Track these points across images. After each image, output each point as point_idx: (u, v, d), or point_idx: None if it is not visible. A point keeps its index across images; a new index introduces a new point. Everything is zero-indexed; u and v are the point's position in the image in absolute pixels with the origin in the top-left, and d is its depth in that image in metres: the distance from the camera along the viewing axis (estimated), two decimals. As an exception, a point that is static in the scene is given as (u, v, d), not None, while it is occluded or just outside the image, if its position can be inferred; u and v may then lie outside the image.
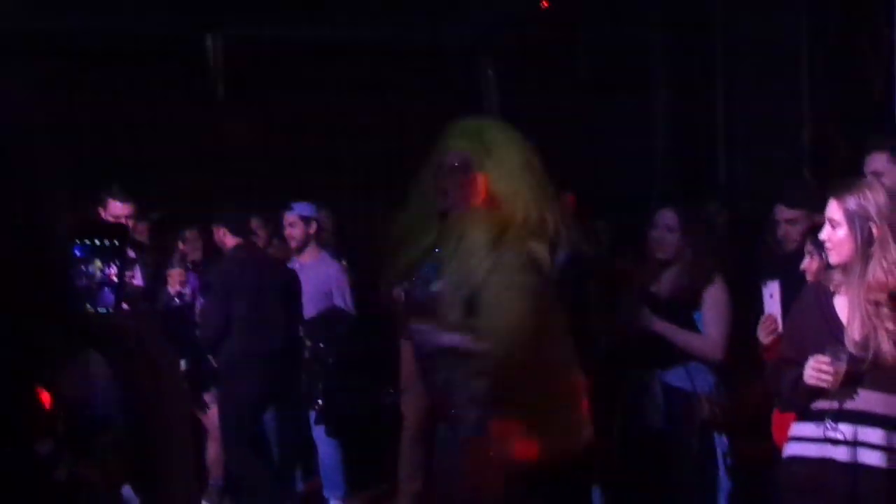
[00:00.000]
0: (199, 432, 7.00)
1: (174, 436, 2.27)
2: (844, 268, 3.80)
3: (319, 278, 6.82)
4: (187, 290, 6.70)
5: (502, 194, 3.90)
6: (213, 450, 7.02)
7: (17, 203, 2.03)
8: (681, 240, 5.07)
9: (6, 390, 2.05)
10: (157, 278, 6.63)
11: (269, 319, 6.40)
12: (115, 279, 2.27)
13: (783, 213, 5.04)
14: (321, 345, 6.57)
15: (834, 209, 3.81)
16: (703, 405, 4.93)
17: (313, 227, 6.96)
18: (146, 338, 2.29)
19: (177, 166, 8.54)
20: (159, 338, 2.45)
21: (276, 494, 6.88)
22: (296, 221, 6.85)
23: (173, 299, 6.54)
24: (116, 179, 6.61)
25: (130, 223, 6.53)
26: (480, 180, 3.91)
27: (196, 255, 7.15)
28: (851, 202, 3.76)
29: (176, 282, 6.53)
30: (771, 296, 4.49)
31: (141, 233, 7.21)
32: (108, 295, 2.27)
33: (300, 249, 6.91)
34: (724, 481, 4.93)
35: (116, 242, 2.28)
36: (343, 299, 6.85)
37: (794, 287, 4.71)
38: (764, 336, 4.44)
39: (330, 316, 6.63)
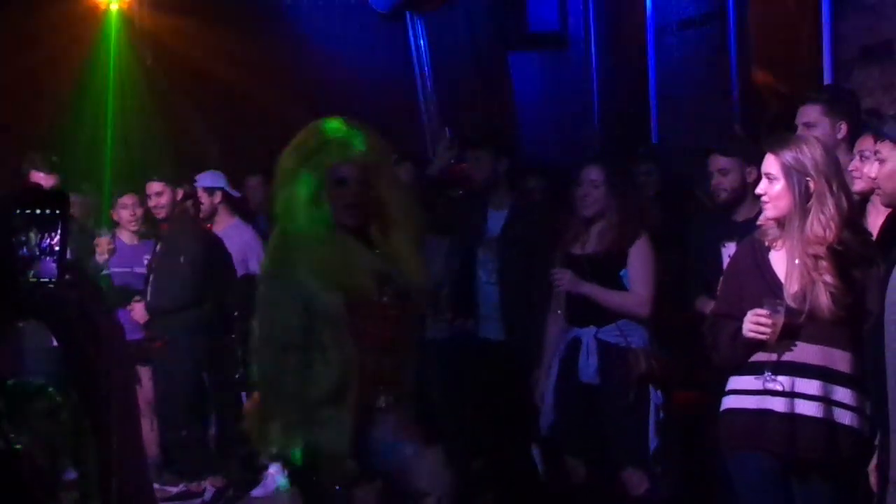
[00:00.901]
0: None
1: (118, 402, 2.22)
2: (781, 222, 3.81)
3: (234, 246, 6.83)
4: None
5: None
6: (146, 426, 6.96)
7: None
8: (606, 196, 5.08)
9: None
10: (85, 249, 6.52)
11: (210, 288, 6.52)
12: (56, 248, 2.21)
13: (717, 161, 5.02)
14: (235, 313, 6.52)
15: (771, 163, 3.81)
16: (640, 359, 4.96)
17: (218, 197, 7.07)
18: (89, 306, 2.23)
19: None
20: (102, 306, 2.39)
21: (216, 462, 6.89)
22: (200, 194, 6.91)
23: (101, 268, 6.43)
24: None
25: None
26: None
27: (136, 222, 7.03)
28: (788, 156, 3.77)
29: (104, 250, 6.41)
30: (729, 256, 4.52)
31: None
32: (49, 264, 2.20)
33: (207, 219, 6.98)
34: (654, 433, 4.97)
35: (57, 211, 2.22)
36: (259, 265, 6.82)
37: (723, 238, 4.78)
38: None
39: (245, 282, 6.58)
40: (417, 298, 4.13)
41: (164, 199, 6.67)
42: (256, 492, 6.90)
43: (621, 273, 5.08)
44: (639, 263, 5.06)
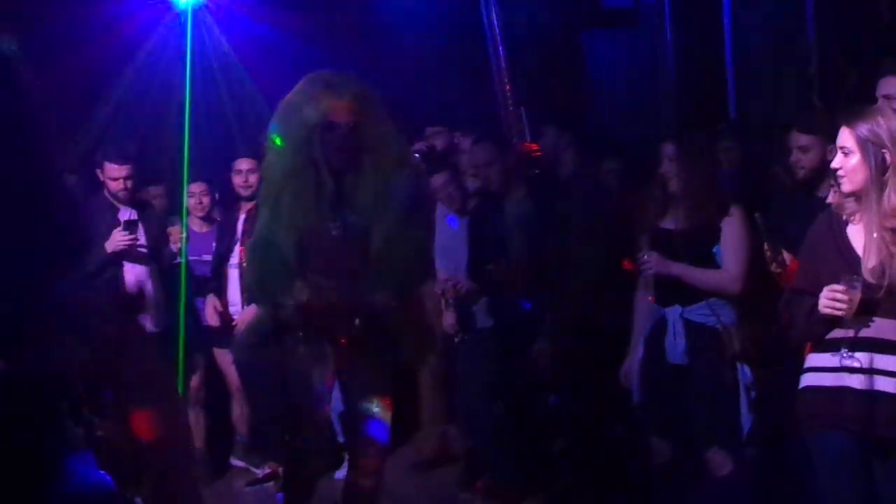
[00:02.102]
0: (225, 392, 7.07)
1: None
2: (858, 196, 3.75)
3: None
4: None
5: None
6: (237, 407, 7.07)
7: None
8: (684, 171, 5.03)
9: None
10: (161, 237, 6.62)
11: None
12: None
13: (796, 139, 4.94)
14: None
15: (846, 137, 3.76)
16: (733, 339, 4.91)
17: None
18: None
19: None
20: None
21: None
22: None
23: (175, 257, 6.52)
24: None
25: (128, 184, 6.54)
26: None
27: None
28: (863, 129, 3.71)
29: (176, 239, 6.51)
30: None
31: (145, 194, 7.21)
32: None
33: None
34: (746, 415, 4.92)
35: None
36: None
37: (803, 216, 4.69)
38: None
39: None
40: (372, 232, 4.50)
41: (253, 178, 6.69)
42: (339, 474, 6.97)
43: (714, 249, 5.02)
44: (732, 238, 5.00)
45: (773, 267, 4.42)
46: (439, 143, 7.03)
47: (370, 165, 4.52)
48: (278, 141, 4.58)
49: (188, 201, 7.02)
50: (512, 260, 6.20)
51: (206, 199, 7.04)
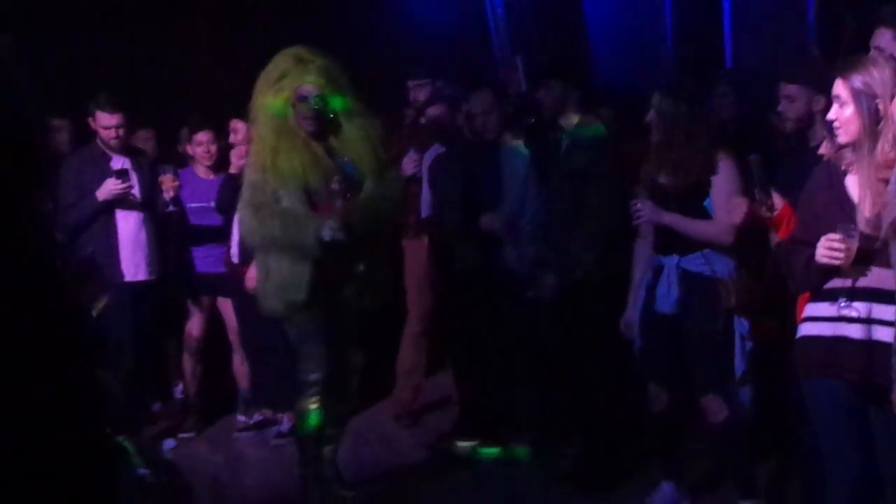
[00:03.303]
0: (225, 346, 7.09)
1: None
2: (854, 146, 3.75)
3: None
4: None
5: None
6: (237, 359, 7.09)
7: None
8: (667, 121, 5.01)
9: None
10: (154, 184, 6.61)
11: None
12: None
13: (785, 88, 4.93)
14: None
15: (840, 87, 3.76)
16: (728, 291, 4.92)
17: None
18: None
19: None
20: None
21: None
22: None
23: (168, 205, 6.51)
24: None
25: (121, 132, 6.53)
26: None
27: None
28: (857, 80, 3.71)
29: (169, 188, 6.49)
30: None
31: (137, 140, 7.19)
32: None
33: None
34: (740, 364, 4.94)
35: None
36: None
37: (796, 165, 4.69)
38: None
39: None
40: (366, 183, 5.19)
41: (213, 149, 7.02)
42: None
43: (706, 203, 5.01)
44: (722, 190, 4.96)
45: (763, 210, 4.42)
46: (422, 94, 7.01)
47: (345, 127, 5.25)
48: (264, 108, 5.21)
49: (196, 149, 7.04)
50: (508, 209, 6.21)
51: (213, 148, 7.04)
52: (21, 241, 2.02)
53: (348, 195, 5.12)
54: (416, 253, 6.92)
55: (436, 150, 6.70)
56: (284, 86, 5.20)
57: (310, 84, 5.19)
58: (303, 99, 5.18)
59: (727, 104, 6.17)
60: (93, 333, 2.83)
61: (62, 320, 2.10)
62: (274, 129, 5.18)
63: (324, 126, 5.23)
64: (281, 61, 5.28)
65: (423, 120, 6.94)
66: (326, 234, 5.05)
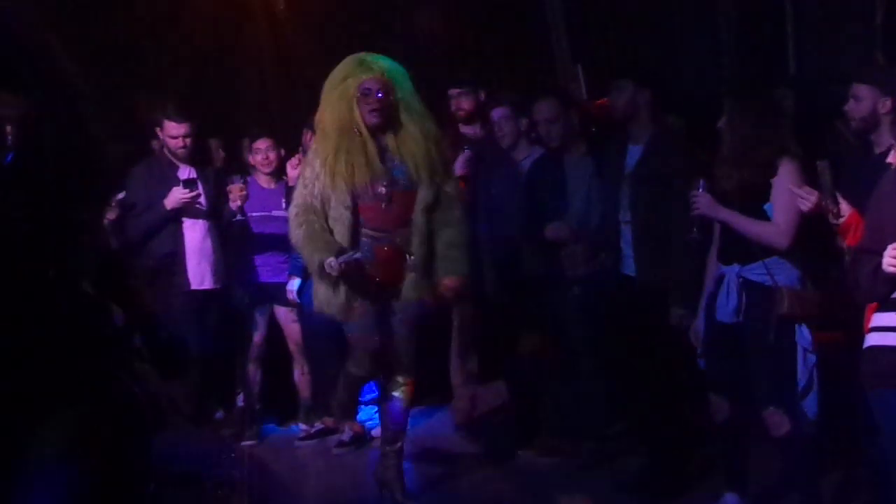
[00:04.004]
0: (286, 354, 7.13)
1: None
2: None
3: None
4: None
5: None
6: (297, 367, 7.13)
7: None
8: (733, 128, 4.98)
9: None
10: (220, 194, 6.67)
11: None
12: None
13: (853, 88, 4.91)
14: None
15: None
16: (783, 298, 4.86)
17: None
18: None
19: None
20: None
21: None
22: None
23: (235, 215, 6.56)
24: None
25: (188, 142, 6.60)
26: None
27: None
28: None
29: (237, 197, 6.55)
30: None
31: (205, 151, 7.27)
32: None
33: None
34: (803, 375, 4.88)
35: None
36: None
37: (862, 172, 4.64)
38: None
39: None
40: (417, 187, 5.48)
41: (273, 155, 7.03)
42: (376, 432, 7.05)
43: (765, 206, 4.96)
44: (781, 192, 4.91)
45: (830, 217, 4.38)
46: (465, 103, 7.05)
47: (405, 127, 5.51)
48: (329, 108, 5.51)
49: (255, 158, 7.08)
50: (571, 218, 6.20)
51: (272, 155, 7.08)
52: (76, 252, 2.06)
53: (392, 198, 5.45)
54: None
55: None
56: (349, 85, 5.49)
57: (372, 79, 5.47)
58: (367, 92, 5.46)
59: (787, 106, 6.11)
60: (170, 343, 2.87)
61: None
62: (336, 128, 5.47)
63: (386, 120, 5.49)
64: (345, 64, 5.58)
65: (467, 127, 7.05)
66: (327, 268, 5.34)
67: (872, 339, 3.87)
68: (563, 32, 8.54)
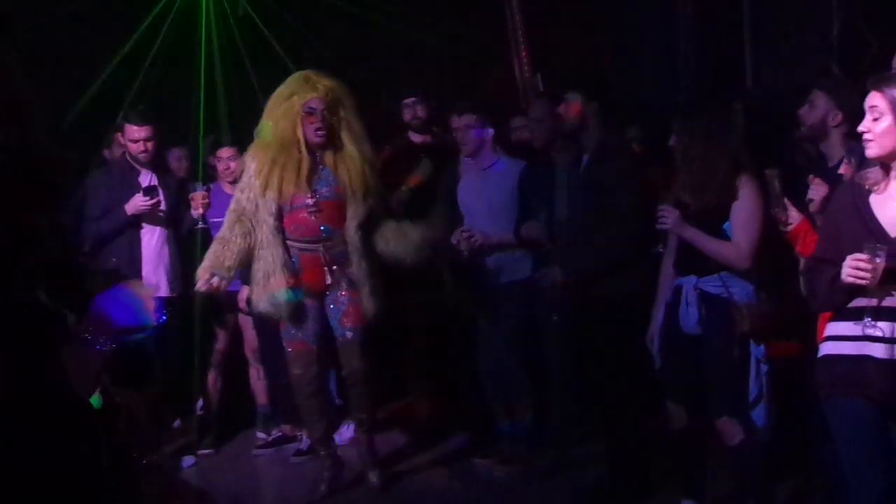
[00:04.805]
0: (242, 361, 7.10)
1: None
2: (884, 162, 3.74)
3: None
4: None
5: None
6: (254, 373, 7.10)
7: None
8: (687, 149, 5.02)
9: None
10: (181, 201, 6.64)
11: None
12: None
13: (812, 94, 4.97)
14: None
15: (877, 99, 3.72)
16: (743, 316, 4.90)
17: None
18: None
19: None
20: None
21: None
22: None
23: (197, 223, 6.53)
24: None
25: (150, 146, 6.56)
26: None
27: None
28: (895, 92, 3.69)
29: (199, 204, 6.52)
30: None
31: (171, 158, 7.22)
32: None
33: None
34: (754, 385, 4.92)
35: None
36: None
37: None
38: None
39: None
40: (347, 201, 5.83)
41: (234, 165, 6.95)
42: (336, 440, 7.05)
43: (724, 226, 5.00)
44: (742, 215, 4.95)
45: (780, 225, 4.44)
46: (421, 111, 7.19)
47: (345, 146, 5.84)
48: (271, 124, 5.80)
49: (219, 166, 7.07)
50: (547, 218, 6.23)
51: (233, 165, 7.04)
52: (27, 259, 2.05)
53: (320, 209, 5.80)
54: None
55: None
56: (294, 102, 5.78)
57: (317, 99, 5.77)
58: (311, 111, 5.76)
59: (737, 123, 6.16)
60: (124, 351, 2.84)
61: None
62: (277, 140, 5.79)
63: (328, 140, 5.82)
64: (291, 82, 5.87)
65: (418, 135, 7.17)
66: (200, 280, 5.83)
67: (826, 349, 3.92)
68: (523, 43, 8.57)
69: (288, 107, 5.80)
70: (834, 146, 4.84)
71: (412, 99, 7.20)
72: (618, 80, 8.00)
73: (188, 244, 6.61)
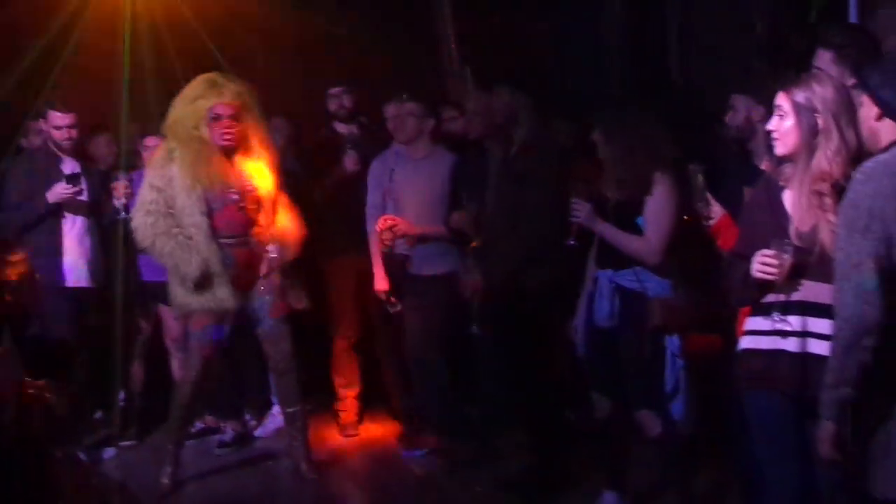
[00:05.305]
0: (165, 351, 7.03)
1: None
2: (791, 159, 3.81)
3: None
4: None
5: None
6: (175, 363, 7.02)
7: None
8: (605, 147, 5.06)
9: None
10: (104, 191, 6.56)
11: None
12: None
13: (731, 98, 5.16)
14: None
15: (781, 100, 3.84)
16: (654, 310, 4.94)
17: None
18: None
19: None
20: None
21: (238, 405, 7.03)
22: None
23: (119, 212, 6.45)
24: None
25: (73, 133, 6.47)
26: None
27: None
28: (798, 94, 3.80)
29: (121, 194, 6.43)
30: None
31: (98, 144, 7.12)
32: None
33: None
34: (670, 379, 4.97)
35: None
36: None
37: (738, 179, 4.77)
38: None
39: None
40: (263, 198, 5.92)
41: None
42: (259, 431, 7.03)
43: (638, 220, 5.04)
44: (653, 210, 5.01)
45: (702, 220, 4.49)
46: (348, 101, 7.16)
47: (251, 148, 5.92)
48: (181, 124, 5.83)
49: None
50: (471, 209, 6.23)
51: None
52: None
53: (244, 204, 5.84)
54: (340, 268, 6.94)
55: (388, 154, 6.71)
56: (200, 106, 5.82)
57: (223, 104, 5.81)
58: (217, 117, 5.81)
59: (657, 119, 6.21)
60: (42, 340, 2.81)
61: None
62: (186, 143, 5.81)
63: (236, 143, 5.87)
64: (197, 85, 5.89)
65: (343, 126, 7.16)
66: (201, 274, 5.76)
67: (744, 343, 3.96)
68: (451, 35, 8.58)
69: (193, 110, 5.84)
70: (761, 143, 4.89)
71: (338, 89, 7.16)
72: (547, 74, 8.03)
73: (110, 234, 6.53)
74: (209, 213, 5.79)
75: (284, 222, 6.04)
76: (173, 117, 5.87)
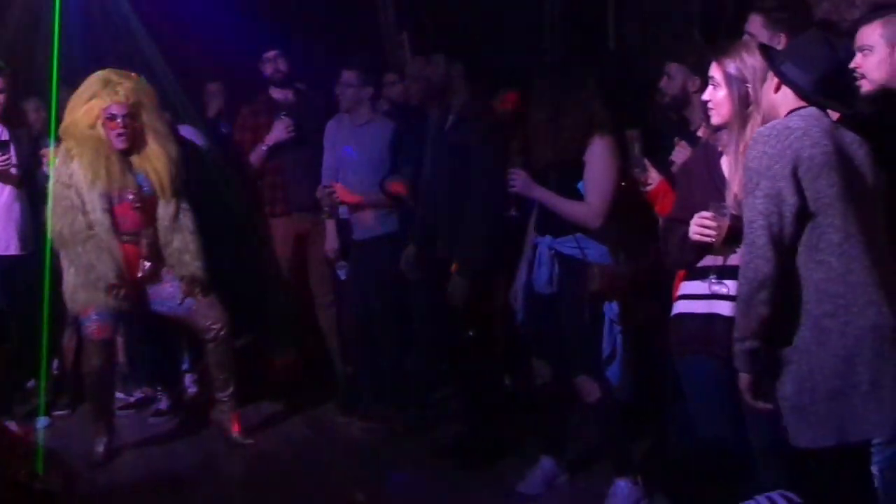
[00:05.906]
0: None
1: None
2: (725, 128, 3.83)
3: None
4: None
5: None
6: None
7: None
8: (537, 108, 5.05)
9: None
10: (33, 158, 6.44)
11: None
12: None
13: (666, 66, 5.21)
14: None
15: (714, 70, 3.87)
16: (595, 276, 4.94)
17: None
18: None
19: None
20: None
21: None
22: None
23: (48, 179, 6.33)
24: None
25: (1, 98, 6.34)
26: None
27: None
28: (730, 65, 3.82)
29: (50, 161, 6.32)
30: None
31: (27, 109, 6.98)
32: None
33: None
34: (608, 344, 4.98)
35: None
36: None
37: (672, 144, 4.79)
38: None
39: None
40: (161, 197, 5.94)
41: None
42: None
43: (578, 185, 5.02)
44: (594, 173, 4.97)
45: (640, 186, 4.50)
46: (282, 64, 7.12)
47: (149, 146, 5.92)
48: (78, 124, 5.84)
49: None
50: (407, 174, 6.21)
51: None
52: None
53: (142, 203, 5.89)
54: (277, 229, 7.01)
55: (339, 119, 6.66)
56: (94, 106, 5.83)
57: (117, 104, 5.82)
58: (111, 118, 5.82)
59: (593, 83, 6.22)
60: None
61: None
62: (83, 144, 5.82)
63: (132, 143, 5.89)
64: (91, 83, 5.90)
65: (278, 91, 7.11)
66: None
67: (679, 307, 3.99)
68: (389, 1, 8.52)
69: (88, 110, 5.85)
70: (696, 111, 4.92)
71: (273, 52, 7.08)
72: (483, 42, 7.98)
73: (40, 202, 6.42)
74: (111, 211, 5.84)
75: (179, 244, 6.00)
76: (69, 119, 5.88)
